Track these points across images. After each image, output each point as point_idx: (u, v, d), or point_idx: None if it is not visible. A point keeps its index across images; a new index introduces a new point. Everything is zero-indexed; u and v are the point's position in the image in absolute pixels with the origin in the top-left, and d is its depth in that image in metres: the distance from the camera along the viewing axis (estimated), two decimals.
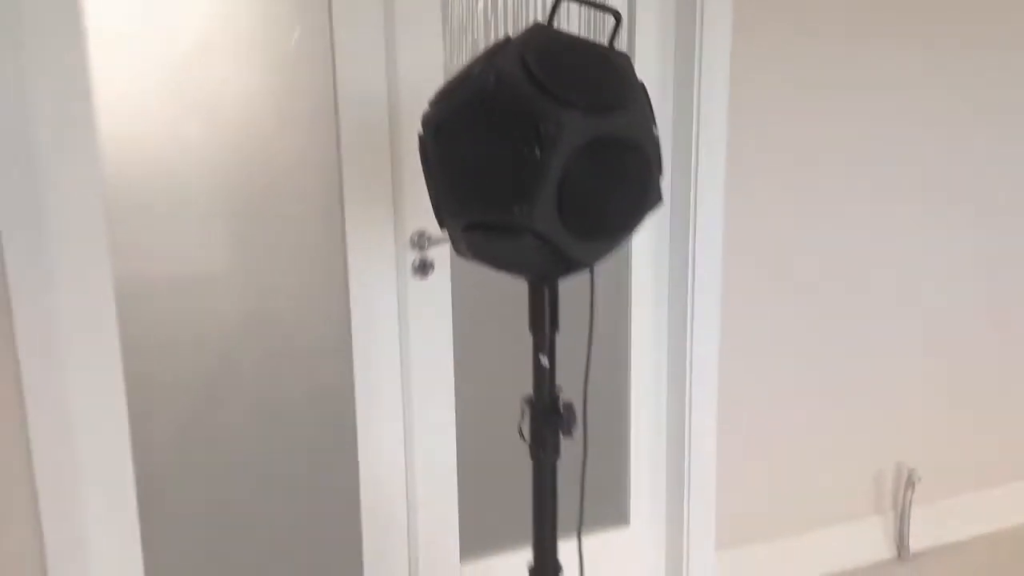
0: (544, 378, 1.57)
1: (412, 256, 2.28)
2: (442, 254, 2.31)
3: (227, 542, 2.25)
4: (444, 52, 2.24)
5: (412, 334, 2.31)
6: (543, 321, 1.55)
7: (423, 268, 2.29)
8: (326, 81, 2.14)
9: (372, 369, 2.29)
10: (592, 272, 1.57)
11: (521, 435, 1.60)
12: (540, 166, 1.34)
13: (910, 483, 2.77)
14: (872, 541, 2.85)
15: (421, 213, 2.28)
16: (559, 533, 2.59)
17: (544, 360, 1.56)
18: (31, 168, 1.87)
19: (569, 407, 1.58)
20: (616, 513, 2.68)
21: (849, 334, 2.70)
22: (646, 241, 2.54)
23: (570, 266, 1.45)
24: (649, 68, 2.45)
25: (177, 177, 2.06)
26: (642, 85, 1.46)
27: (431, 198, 1.49)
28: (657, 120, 2.47)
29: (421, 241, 2.27)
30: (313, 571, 2.35)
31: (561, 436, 1.58)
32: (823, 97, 2.51)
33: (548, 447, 1.58)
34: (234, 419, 2.21)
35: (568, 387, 1.68)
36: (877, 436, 2.80)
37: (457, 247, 1.49)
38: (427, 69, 2.21)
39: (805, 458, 2.73)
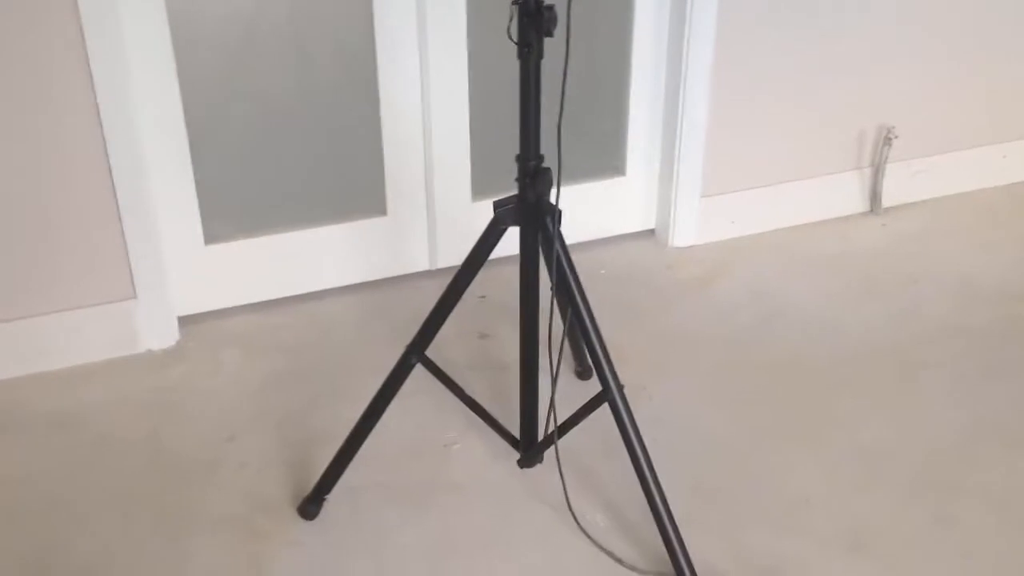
0: None
1: None
2: None
3: (265, 169, 2.57)
4: None
5: None
6: None
7: None
8: None
9: (391, 19, 2.50)
10: None
11: (509, 36, 1.83)
12: None
13: (887, 141, 2.98)
14: (848, 195, 3.11)
15: None
16: (563, 181, 2.88)
17: None
18: None
19: (551, 10, 1.79)
20: (614, 164, 2.96)
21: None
22: None
23: None
24: None
25: None
26: None
27: None
28: None
29: None
30: (342, 199, 2.68)
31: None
32: None
33: (532, 46, 1.82)
34: (270, 60, 2.46)
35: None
36: (860, 97, 2.98)
37: None
38: None
39: (791, 119, 2.93)
